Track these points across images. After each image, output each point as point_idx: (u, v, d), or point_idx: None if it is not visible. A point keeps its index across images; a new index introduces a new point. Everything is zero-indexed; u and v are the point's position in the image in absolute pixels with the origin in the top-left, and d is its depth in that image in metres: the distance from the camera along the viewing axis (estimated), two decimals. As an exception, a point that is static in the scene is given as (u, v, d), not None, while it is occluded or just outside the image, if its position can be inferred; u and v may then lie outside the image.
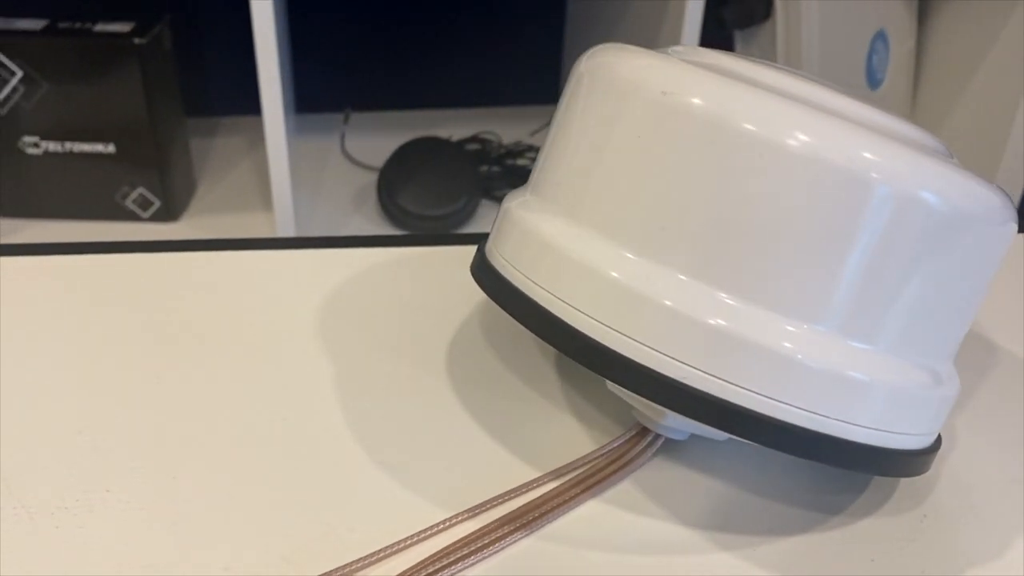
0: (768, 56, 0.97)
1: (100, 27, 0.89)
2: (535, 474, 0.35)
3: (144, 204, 0.97)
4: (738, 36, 0.98)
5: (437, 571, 0.31)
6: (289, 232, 0.91)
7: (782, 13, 0.94)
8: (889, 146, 0.29)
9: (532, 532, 0.32)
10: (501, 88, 1.25)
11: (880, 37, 1.03)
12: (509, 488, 0.34)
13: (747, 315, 0.29)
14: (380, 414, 0.37)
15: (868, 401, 0.30)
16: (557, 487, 0.34)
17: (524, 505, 0.33)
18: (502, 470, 0.35)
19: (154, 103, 0.91)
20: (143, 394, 0.37)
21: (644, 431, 0.36)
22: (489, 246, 0.35)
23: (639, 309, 0.30)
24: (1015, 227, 0.31)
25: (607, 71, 0.31)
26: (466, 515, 0.33)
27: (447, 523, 0.32)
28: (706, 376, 0.29)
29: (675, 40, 0.90)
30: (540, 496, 0.34)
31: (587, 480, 0.34)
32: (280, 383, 0.38)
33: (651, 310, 0.30)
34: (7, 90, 0.89)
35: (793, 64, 0.95)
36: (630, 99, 0.30)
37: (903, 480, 0.36)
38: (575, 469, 0.35)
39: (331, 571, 0.30)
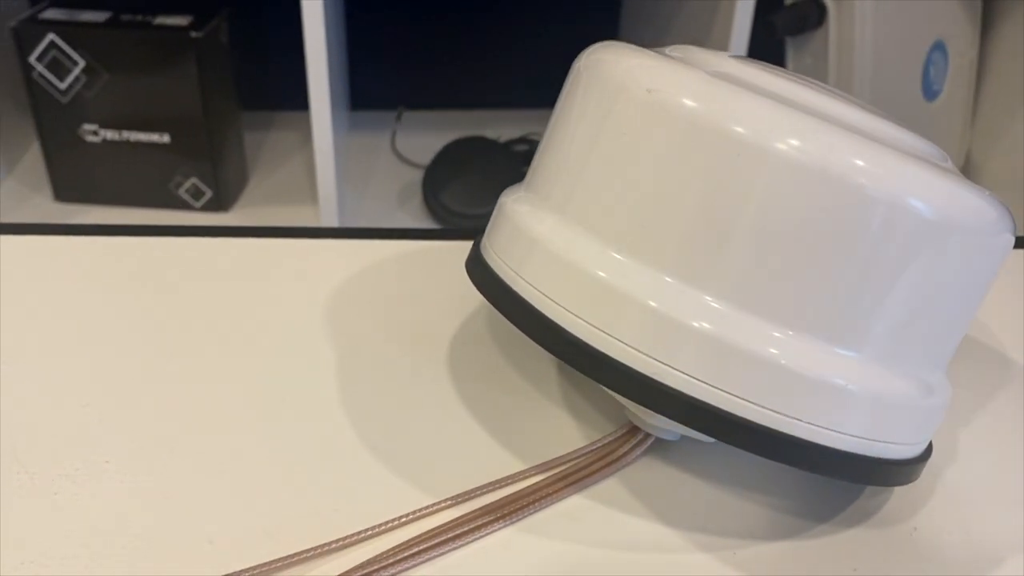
0: (820, 64, 0.96)
1: (160, 20, 0.92)
2: (523, 467, 0.35)
3: (196, 194, 0.99)
4: (789, 43, 0.97)
5: (413, 555, 0.31)
6: (332, 225, 0.93)
7: (835, 20, 0.93)
8: (877, 152, 0.28)
9: (512, 523, 0.33)
10: (554, 90, 1.25)
11: (938, 47, 1.01)
12: (495, 479, 0.34)
13: (732, 319, 0.29)
14: (377, 400, 0.38)
15: (852, 409, 0.30)
16: (542, 480, 0.35)
17: (507, 496, 0.34)
18: (490, 461, 0.35)
19: (209, 95, 0.94)
20: (152, 371, 0.39)
21: (635, 430, 0.36)
22: (484, 241, 0.35)
23: (623, 309, 0.30)
24: (1011, 238, 0.31)
25: (598, 68, 0.32)
26: (449, 502, 0.33)
27: (429, 509, 0.33)
28: (687, 379, 0.29)
29: (724, 44, 0.89)
30: (524, 488, 0.34)
31: (573, 475, 0.35)
32: (284, 366, 0.39)
33: (635, 311, 0.30)
34: (70, 79, 0.92)
35: (844, 74, 0.94)
36: (616, 96, 0.30)
37: (896, 491, 0.35)
38: (562, 464, 0.35)
39: (311, 548, 0.31)
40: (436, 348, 0.41)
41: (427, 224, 1.01)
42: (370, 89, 1.22)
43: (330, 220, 0.93)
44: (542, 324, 0.31)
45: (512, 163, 1.03)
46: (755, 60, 0.34)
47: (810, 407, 0.30)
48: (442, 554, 0.32)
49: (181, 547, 0.31)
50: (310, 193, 1.05)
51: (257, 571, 0.30)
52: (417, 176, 1.09)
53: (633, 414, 0.35)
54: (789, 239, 0.29)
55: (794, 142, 0.28)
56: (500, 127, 1.18)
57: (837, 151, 0.28)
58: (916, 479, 0.33)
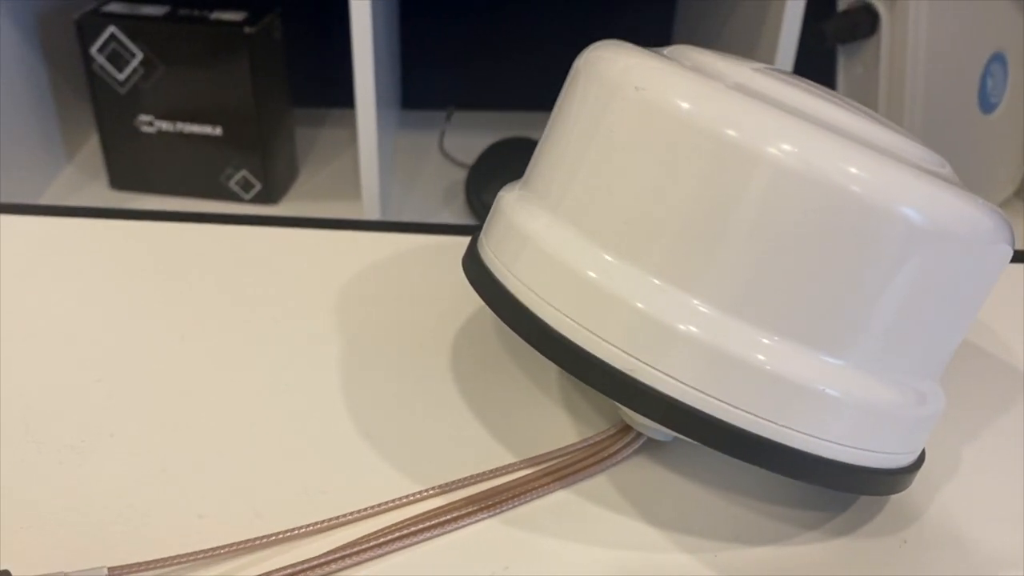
0: (871, 74, 0.94)
1: (216, 15, 0.94)
2: (513, 460, 0.35)
3: (246, 186, 1.02)
4: (840, 51, 0.96)
5: (395, 540, 0.32)
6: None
7: (888, 28, 0.91)
8: (867, 158, 0.28)
9: (496, 514, 0.33)
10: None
11: (997, 59, 0.98)
12: (483, 470, 0.35)
13: (718, 323, 0.29)
14: (376, 388, 0.38)
15: (837, 416, 0.30)
16: (529, 474, 0.35)
17: (493, 488, 0.34)
18: (481, 453, 0.36)
19: (260, 90, 0.96)
20: (164, 351, 0.40)
21: (627, 429, 0.36)
22: (481, 236, 0.36)
23: (610, 309, 0.30)
24: (1008, 249, 0.30)
25: (591, 66, 0.32)
26: (435, 491, 0.34)
27: (415, 496, 0.34)
28: (671, 381, 0.29)
29: (771, 50, 0.88)
30: (511, 480, 0.34)
31: (561, 471, 0.35)
32: (290, 352, 0.40)
33: (622, 312, 0.29)
34: (128, 71, 0.95)
35: (896, 84, 0.92)
36: (607, 94, 0.30)
37: (890, 502, 0.35)
38: (552, 459, 0.36)
39: (295, 527, 0.32)
40: (442, 340, 0.41)
41: (470, 223, 1.02)
42: (422, 89, 1.24)
43: (372, 215, 0.94)
44: (530, 321, 0.31)
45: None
46: (760, 63, 0.34)
47: (794, 413, 0.29)
48: (423, 540, 0.32)
49: (172, 519, 0.32)
50: (357, 189, 1.06)
51: (240, 547, 0.31)
52: (463, 175, 1.10)
53: (625, 413, 0.35)
54: (777, 244, 0.28)
55: (784, 146, 0.28)
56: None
57: (824, 156, 0.28)
58: (904, 489, 0.32)
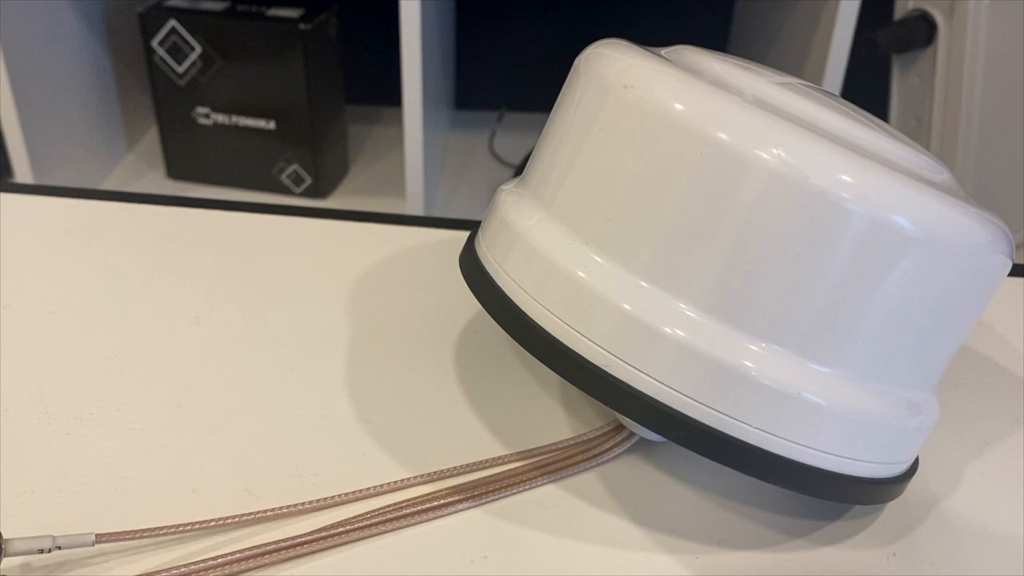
0: (926, 85, 0.92)
1: (273, 11, 0.97)
2: (505, 452, 0.36)
3: (297, 180, 1.04)
4: (895, 61, 0.94)
5: (379, 523, 0.32)
6: (418, 218, 0.95)
7: (945, 38, 0.89)
8: (857, 165, 0.27)
9: (480, 504, 0.34)
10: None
11: (1061, 73, 0.95)
12: (473, 461, 0.35)
13: (704, 327, 0.29)
14: (378, 378, 0.39)
15: (822, 424, 0.29)
16: (519, 467, 0.35)
17: (481, 478, 0.35)
18: (474, 444, 0.36)
19: (314, 86, 0.98)
20: (178, 332, 0.41)
21: (620, 427, 0.36)
22: (478, 232, 0.36)
23: (596, 309, 0.30)
24: (1005, 260, 0.30)
25: (588, 64, 0.32)
26: (423, 479, 0.34)
27: (403, 483, 0.34)
28: (653, 382, 0.29)
29: (822, 59, 0.87)
30: (499, 472, 0.35)
31: (551, 465, 0.35)
32: (299, 338, 0.41)
33: (608, 312, 0.30)
34: (187, 64, 0.98)
35: (953, 95, 0.90)
36: (600, 91, 0.31)
37: (884, 514, 0.34)
38: (542, 453, 0.36)
39: (283, 506, 0.33)
40: (450, 333, 0.42)
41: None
42: (475, 89, 1.25)
43: (415, 212, 0.95)
44: (515, 315, 0.32)
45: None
46: (765, 66, 0.33)
47: (778, 419, 0.29)
48: (408, 525, 0.33)
49: (167, 492, 0.33)
50: (405, 187, 1.08)
51: (229, 521, 0.32)
52: (510, 176, 1.10)
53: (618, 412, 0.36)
54: (764, 250, 0.28)
55: (774, 150, 0.28)
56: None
57: (809, 160, 0.27)
58: (893, 499, 0.32)
